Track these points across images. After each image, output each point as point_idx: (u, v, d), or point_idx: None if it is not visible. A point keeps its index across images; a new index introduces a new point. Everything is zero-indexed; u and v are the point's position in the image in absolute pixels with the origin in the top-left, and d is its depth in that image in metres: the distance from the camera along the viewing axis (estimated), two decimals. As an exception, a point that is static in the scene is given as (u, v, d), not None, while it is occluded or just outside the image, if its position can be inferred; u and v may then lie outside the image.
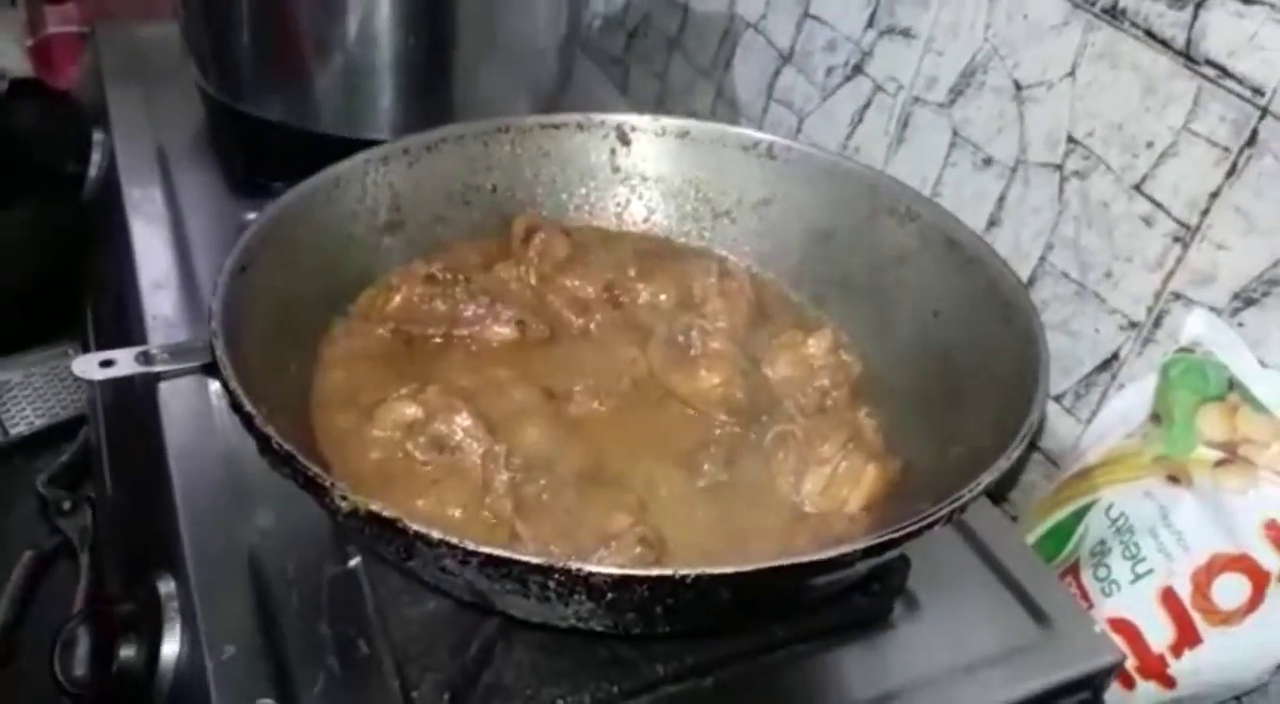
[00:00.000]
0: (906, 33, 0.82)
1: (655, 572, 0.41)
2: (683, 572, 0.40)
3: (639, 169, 0.70)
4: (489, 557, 0.40)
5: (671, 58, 1.16)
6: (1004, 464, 0.46)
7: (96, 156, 0.93)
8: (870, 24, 0.85)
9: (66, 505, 1.01)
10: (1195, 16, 0.61)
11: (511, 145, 0.68)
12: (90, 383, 0.68)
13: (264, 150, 0.85)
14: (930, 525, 0.43)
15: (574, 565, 0.40)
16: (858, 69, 0.88)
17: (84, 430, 1.08)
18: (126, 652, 0.54)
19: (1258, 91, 0.58)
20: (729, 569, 0.41)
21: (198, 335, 0.69)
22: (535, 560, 0.40)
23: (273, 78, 0.84)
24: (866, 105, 0.87)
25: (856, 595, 0.55)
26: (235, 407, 0.47)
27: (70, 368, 0.62)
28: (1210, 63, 0.61)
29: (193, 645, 0.52)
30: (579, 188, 0.70)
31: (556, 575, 0.40)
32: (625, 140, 0.69)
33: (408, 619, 0.53)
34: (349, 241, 0.62)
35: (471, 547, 0.40)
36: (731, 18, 1.03)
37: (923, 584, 0.58)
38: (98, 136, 0.93)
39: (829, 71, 0.91)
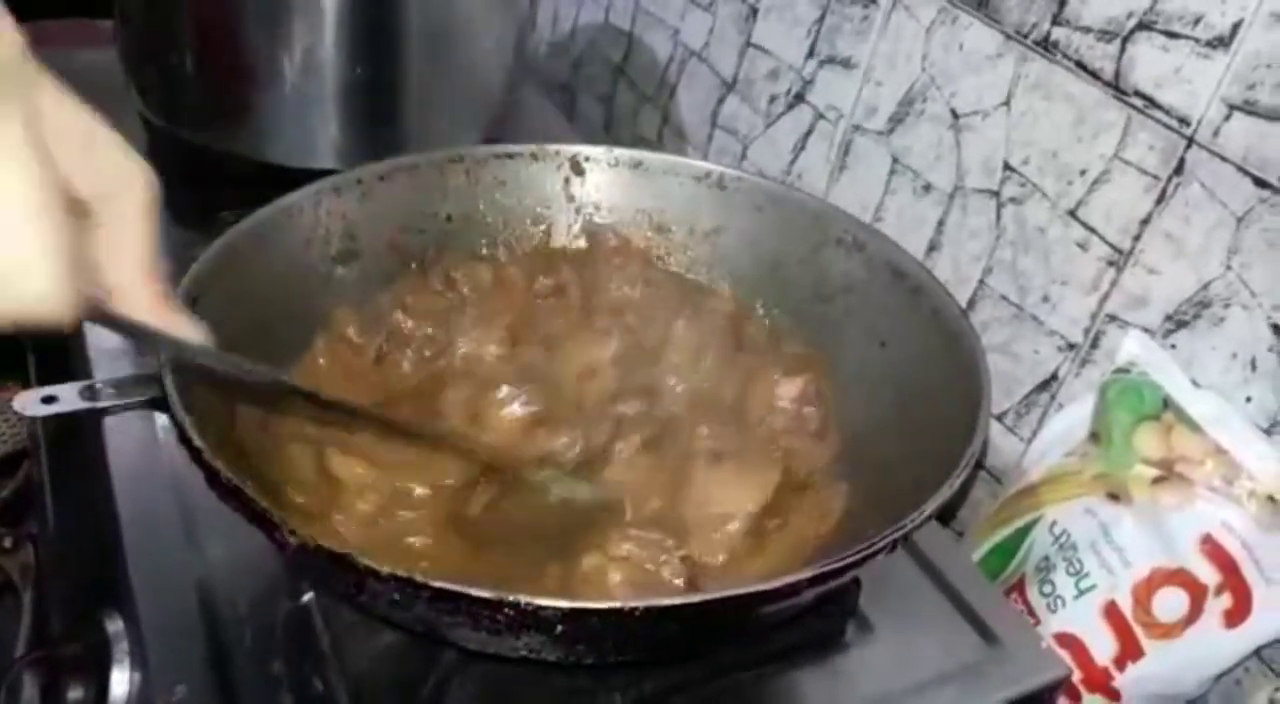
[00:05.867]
0: (846, 63, 0.84)
1: (604, 604, 0.41)
2: (631, 604, 0.41)
3: (593, 198, 0.71)
4: (437, 590, 0.40)
5: (617, 85, 1.17)
6: (946, 492, 0.47)
7: (34, 186, 0.92)
8: (811, 54, 0.87)
9: (8, 543, 0.98)
10: (1123, 49, 0.63)
11: (466, 175, 0.68)
12: (32, 418, 0.66)
13: (209, 179, 0.84)
14: (874, 554, 0.44)
15: (522, 599, 0.40)
16: (799, 98, 0.89)
17: (25, 465, 1.05)
18: (74, 694, 0.53)
19: (1184, 121, 0.61)
20: (677, 600, 0.42)
21: (142, 368, 0.68)
22: (483, 594, 0.40)
23: (217, 106, 0.83)
24: (809, 133, 0.89)
25: (810, 618, 0.56)
26: (184, 440, 0.46)
27: (8, 402, 0.61)
28: (1139, 93, 0.63)
29: (143, 685, 0.51)
30: (533, 216, 0.71)
31: (505, 608, 0.40)
32: (579, 170, 0.70)
33: (363, 654, 0.52)
34: (301, 272, 0.62)
35: (420, 580, 0.40)
36: (676, 46, 1.05)
37: (874, 604, 0.59)
38: (36, 166, 0.91)
39: (772, 100, 0.93)
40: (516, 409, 0.59)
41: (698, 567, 0.52)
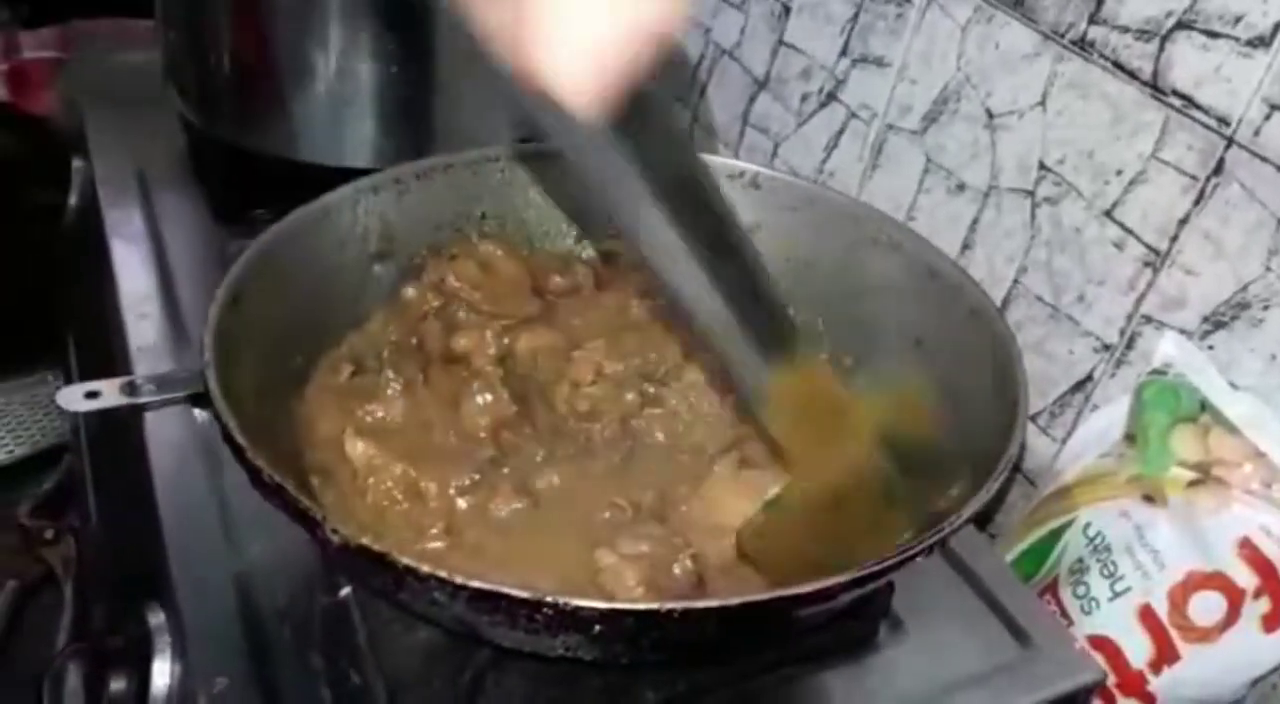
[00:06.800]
0: (880, 61, 0.83)
1: (641, 606, 0.42)
2: (669, 606, 0.41)
3: (628, 195, 0.71)
4: (477, 591, 0.41)
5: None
6: (985, 496, 0.47)
7: (76, 183, 0.93)
8: (844, 52, 0.87)
9: (49, 535, 0.99)
10: (1161, 48, 0.63)
11: (502, 173, 0.68)
12: (74, 413, 0.68)
13: (246, 178, 0.85)
14: (912, 557, 0.44)
15: (561, 599, 0.41)
16: (832, 96, 0.89)
17: (66, 458, 1.07)
18: (117, 685, 0.54)
19: (1223, 121, 0.60)
20: (714, 603, 0.42)
21: (183, 365, 0.69)
22: (522, 594, 0.41)
23: (255, 106, 0.84)
24: (841, 131, 0.89)
25: (843, 619, 0.56)
26: (227, 439, 0.47)
27: (51, 395, 0.62)
28: (1177, 93, 0.62)
29: (184, 677, 0.52)
30: (569, 214, 0.71)
31: (544, 609, 0.41)
32: (614, 168, 0.70)
33: (400, 650, 0.53)
34: (339, 271, 0.63)
35: (460, 581, 0.41)
36: (707, 44, 1.05)
37: (907, 605, 0.59)
38: (77, 164, 0.93)
39: (804, 98, 0.93)
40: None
41: (704, 566, 0.52)
